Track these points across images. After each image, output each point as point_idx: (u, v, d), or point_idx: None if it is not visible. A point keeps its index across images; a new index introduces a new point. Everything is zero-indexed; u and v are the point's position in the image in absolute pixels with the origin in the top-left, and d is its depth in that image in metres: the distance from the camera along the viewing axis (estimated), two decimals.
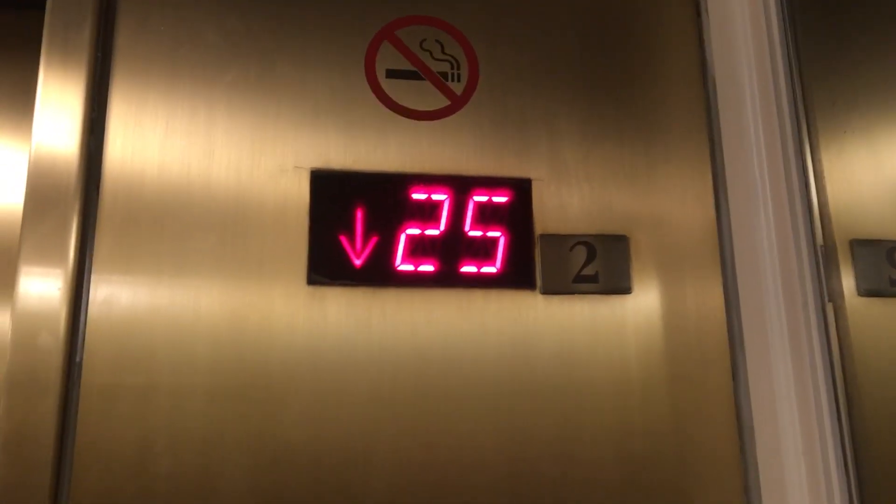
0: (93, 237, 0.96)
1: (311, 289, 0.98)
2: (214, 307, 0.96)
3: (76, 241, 0.94)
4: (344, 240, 1.00)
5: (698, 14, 1.17)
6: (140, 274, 0.95)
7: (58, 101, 0.98)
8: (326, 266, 0.99)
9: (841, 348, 0.98)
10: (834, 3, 1.17)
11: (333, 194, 1.01)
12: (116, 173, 0.98)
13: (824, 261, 1.01)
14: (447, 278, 1.01)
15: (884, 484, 0.98)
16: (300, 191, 1.01)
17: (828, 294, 1.00)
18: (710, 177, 1.11)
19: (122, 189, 0.97)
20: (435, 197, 1.03)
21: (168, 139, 1.00)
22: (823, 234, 1.03)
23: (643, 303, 1.05)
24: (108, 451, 0.90)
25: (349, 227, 1.00)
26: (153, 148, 0.99)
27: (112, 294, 0.94)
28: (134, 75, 1.01)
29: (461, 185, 1.04)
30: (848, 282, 1.05)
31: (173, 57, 1.02)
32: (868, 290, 1.06)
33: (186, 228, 0.98)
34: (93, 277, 0.94)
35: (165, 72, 1.02)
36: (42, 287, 0.92)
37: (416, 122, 1.06)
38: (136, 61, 1.01)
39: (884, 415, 1.00)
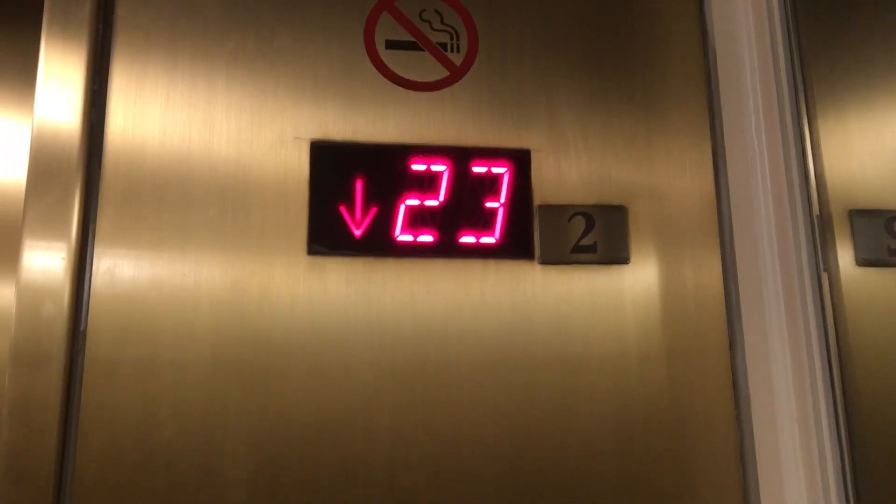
0: (95, 209, 0.97)
1: (312, 259, 0.99)
2: (215, 278, 0.97)
3: (79, 214, 0.95)
4: (344, 210, 1.00)
5: None
6: (142, 245, 0.96)
7: (59, 74, 0.98)
8: (326, 236, 0.99)
9: (836, 318, 0.99)
10: None
11: (333, 165, 1.02)
12: (118, 146, 0.99)
13: (820, 231, 1.01)
14: (446, 249, 1.02)
15: (875, 452, 0.99)
16: (300, 162, 1.01)
17: (823, 264, 1.00)
18: (708, 148, 1.11)
19: (124, 161, 0.98)
20: (434, 168, 1.03)
21: (168, 111, 1.01)
22: (820, 204, 1.03)
23: (641, 273, 1.06)
24: (111, 419, 0.91)
25: (349, 197, 1.01)
26: (154, 120, 1.00)
27: (114, 265, 0.95)
28: (134, 47, 1.01)
29: (460, 156, 1.04)
30: (846, 252, 1.05)
31: (173, 28, 1.03)
32: (866, 260, 1.06)
33: (187, 200, 0.99)
34: (96, 249, 0.95)
35: (165, 43, 1.02)
36: (46, 259, 0.93)
37: (415, 92, 1.06)
38: (137, 33, 1.02)
39: (879, 383, 1.01)
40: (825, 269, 1.01)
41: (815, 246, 1.00)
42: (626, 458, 1.00)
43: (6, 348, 0.91)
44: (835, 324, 0.98)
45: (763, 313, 1.00)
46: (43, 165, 0.96)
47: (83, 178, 0.96)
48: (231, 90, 1.02)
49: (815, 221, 1.01)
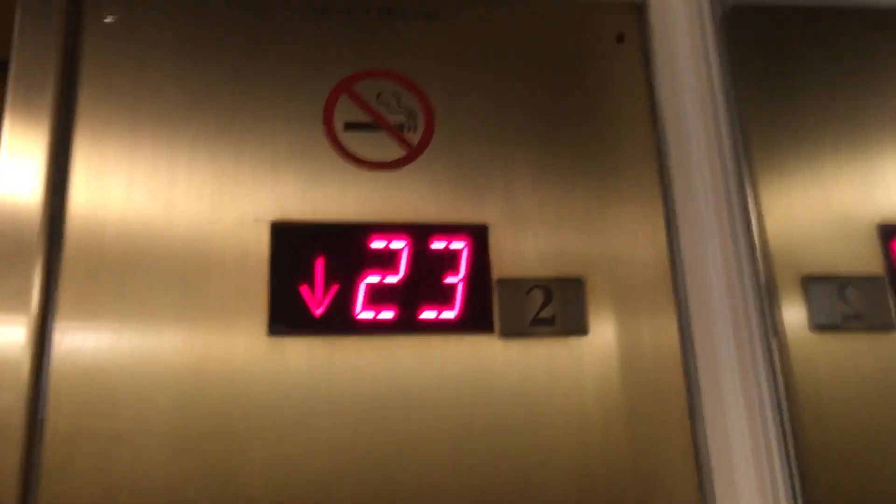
0: (56, 290, 0.97)
1: (272, 339, 1.00)
2: (176, 357, 0.97)
3: (39, 295, 0.96)
4: (304, 290, 1.02)
5: (647, 61, 1.21)
6: (103, 325, 0.97)
7: (21, 157, 1.00)
8: (287, 316, 1.00)
9: (786, 381, 1.01)
10: (775, 53, 1.22)
11: (293, 245, 1.03)
12: (79, 228, 1.00)
13: (767, 298, 1.04)
14: (407, 324, 1.03)
15: None
16: (260, 242, 1.03)
17: (773, 330, 1.03)
18: (661, 217, 1.13)
19: (85, 243, 0.99)
20: (394, 245, 1.05)
21: (130, 193, 1.02)
22: (766, 271, 1.06)
23: (600, 343, 1.07)
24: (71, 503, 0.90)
25: (309, 276, 1.02)
26: (115, 203, 1.02)
27: (75, 345, 0.95)
28: (96, 133, 1.03)
29: (419, 233, 1.06)
30: (801, 317, 1.08)
31: (135, 115, 1.05)
32: (821, 326, 1.08)
33: (148, 281, 0.99)
34: (56, 329, 0.95)
35: (127, 130, 1.04)
36: (4, 340, 0.93)
37: (373, 172, 1.09)
38: (99, 120, 1.04)
39: (832, 443, 1.02)
40: (774, 335, 1.03)
41: (762, 313, 1.02)
42: None
43: None
44: (785, 387, 1.00)
45: (719, 379, 1.02)
46: (3, 247, 0.97)
47: (44, 259, 0.97)
48: (192, 173, 1.04)
49: (762, 288, 1.04)
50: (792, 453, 0.95)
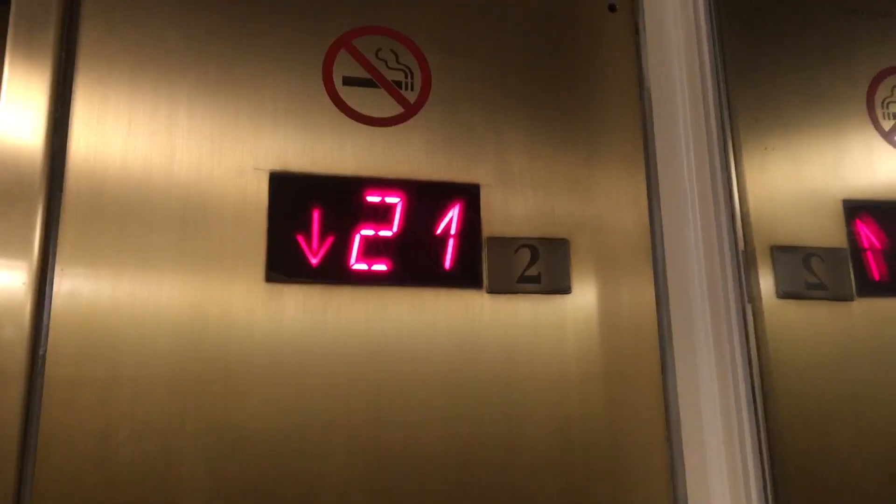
0: (56, 232, 0.98)
1: (269, 286, 1.03)
2: (175, 302, 1.00)
3: (40, 236, 0.97)
4: (301, 239, 1.04)
5: (636, 31, 1.25)
6: (103, 268, 0.98)
7: (22, 98, 1.00)
8: (284, 264, 1.03)
9: (758, 345, 1.07)
10: (761, 30, 1.27)
11: (291, 195, 1.06)
12: (80, 170, 1.01)
13: (745, 265, 1.10)
14: (399, 277, 1.07)
15: (793, 469, 1.07)
16: (259, 191, 1.05)
17: (747, 295, 1.09)
18: (644, 184, 1.18)
19: (85, 186, 1.00)
20: (388, 200, 1.09)
21: (130, 137, 1.03)
22: (745, 240, 1.12)
23: (581, 302, 1.12)
24: (71, 440, 0.93)
25: (306, 227, 1.05)
26: (116, 146, 1.02)
27: (75, 288, 0.97)
28: (97, 74, 1.04)
29: (414, 190, 1.10)
30: (768, 285, 1.14)
31: (136, 57, 1.06)
32: (786, 293, 1.15)
33: (148, 225, 1.01)
34: (56, 271, 0.97)
35: (128, 72, 1.05)
36: (6, 281, 0.95)
37: (371, 127, 1.11)
38: (100, 61, 1.04)
39: (796, 404, 1.10)
40: (749, 301, 1.09)
41: (739, 278, 1.08)
42: (566, 473, 1.06)
43: None
44: (758, 351, 1.07)
45: (692, 339, 1.08)
46: (4, 188, 0.97)
47: (45, 201, 0.98)
48: (192, 118, 1.06)
49: (741, 256, 1.10)
50: (761, 411, 1.02)
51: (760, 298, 1.11)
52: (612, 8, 1.25)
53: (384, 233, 1.07)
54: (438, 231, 1.09)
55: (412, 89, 1.14)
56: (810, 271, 1.17)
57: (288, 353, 1.01)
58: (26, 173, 0.98)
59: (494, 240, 1.11)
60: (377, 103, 1.12)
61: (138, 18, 1.07)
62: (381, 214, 1.08)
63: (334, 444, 1.00)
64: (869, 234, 1.22)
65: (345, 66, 1.12)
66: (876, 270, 1.21)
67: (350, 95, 1.11)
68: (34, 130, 1.00)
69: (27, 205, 0.98)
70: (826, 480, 1.11)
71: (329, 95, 1.10)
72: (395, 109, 1.12)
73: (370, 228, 1.07)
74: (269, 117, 1.08)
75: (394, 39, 1.15)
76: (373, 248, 1.07)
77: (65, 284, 0.97)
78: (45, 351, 0.94)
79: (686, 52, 1.18)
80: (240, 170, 1.05)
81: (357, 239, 1.06)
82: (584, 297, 1.13)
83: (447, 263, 1.09)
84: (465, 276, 1.09)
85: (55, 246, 0.98)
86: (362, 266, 1.06)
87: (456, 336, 1.07)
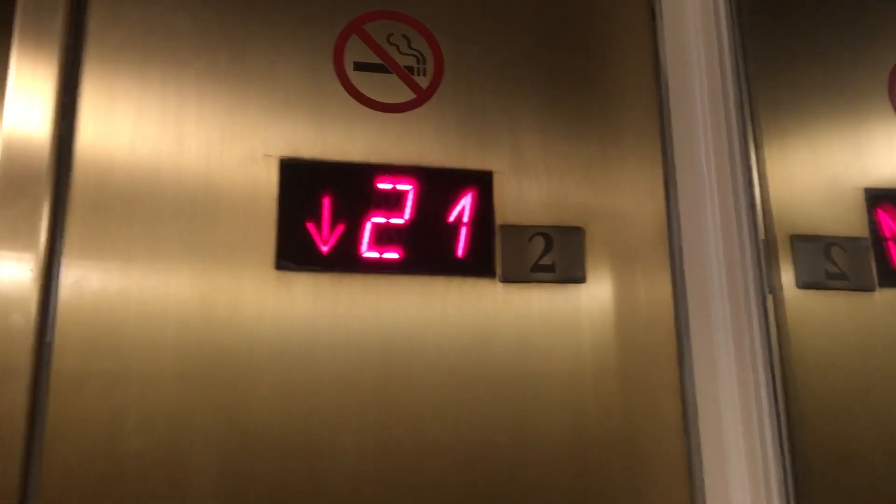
0: (64, 221, 0.97)
1: (279, 274, 1.01)
2: (184, 291, 0.98)
3: (48, 225, 0.96)
4: (311, 227, 1.03)
5: (653, 18, 1.22)
6: (110, 258, 0.97)
7: (30, 85, 0.99)
8: (294, 252, 1.02)
9: (779, 336, 1.05)
10: (780, 16, 1.24)
11: (301, 182, 1.04)
12: (88, 158, 0.99)
13: (765, 255, 1.08)
14: (411, 266, 1.05)
15: (815, 462, 1.05)
16: (269, 178, 1.04)
17: (768, 286, 1.07)
18: (661, 173, 1.16)
19: (93, 174, 0.99)
20: (400, 187, 1.07)
21: (139, 125, 1.02)
22: (765, 229, 1.10)
23: (596, 292, 1.10)
24: (78, 431, 0.92)
25: (316, 214, 1.03)
26: (124, 133, 1.01)
27: (83, 277, 0.96)
28: (106, 61, 1.02)
29: (426, 177, 1.08)
30: (788, 274, 1.12)
31: (145, 43, 1.04)
32: (806, 283, 1.13)
33: (156, 213, 1.00)
34: (63, 261, 0.96)
35: (137, 58, 1.04)
36: (14, 270, 0.93)
37: (382, 113, 1.09)
38: (108, 48, 1.03)
39: (816, 397, 1.08)
40: (770, 291, 1.07)
41: (760, 268, 1.06)
42: (580, 467, 1.04)
43: None
44: (778, 342, 1.05)
45: (711, 331, 1.06)
46: (12, 176, 0.96)
47: (52, 189, 0.97)
48: (202, 106, 1.04)
49: (761, 245, 1.08)
50: (781, 402, 0.99)
51: (781, 289, 1.08)
52: None
53: (396, 220, 1.06)
54: (451, 219, 1.07)
55: (424, 75, 1.12)
56: (831, 261, 1.15)
57: (297, 343, 0.99)
58: (34, 162, 0.97)
59: (508, 227, 1.09)
60: (389, 89, 1.10)
61: (147, 3, 1.05)
62: (393, 202, 1.06)
63: (344, 437, 0.98)
64: (891, 224, 1.19)
65: (356, 52, 1.10)
66: None
67: (361, 81, 1.09)
68: (42, 118, 0.99)
69: (35, 193, 0.96)
70: (848, 474, 1.09)
71: (340, 81, 1.09)
72: (406, 95, 1.10)
73: (381, 216, 1.05)
74: (279, 103, 1.06)
75: (406, 24, 1.13)
76: (384, 236, 1.05)
77: (72, 274, 0.96)
78: (52, 340, 0.93)
79: (704, 37, 1.15)
80: (250, 157, 1.04)
81: (368, 226, 1.05)
82: (599, 287, 1.10)
83: (460, 252, 1.07)
84: (478, 264, 1.07)
85: (63, 235, 0.97)
86: (373, 254, 1.04)
87: (468, 326, 1.05)
